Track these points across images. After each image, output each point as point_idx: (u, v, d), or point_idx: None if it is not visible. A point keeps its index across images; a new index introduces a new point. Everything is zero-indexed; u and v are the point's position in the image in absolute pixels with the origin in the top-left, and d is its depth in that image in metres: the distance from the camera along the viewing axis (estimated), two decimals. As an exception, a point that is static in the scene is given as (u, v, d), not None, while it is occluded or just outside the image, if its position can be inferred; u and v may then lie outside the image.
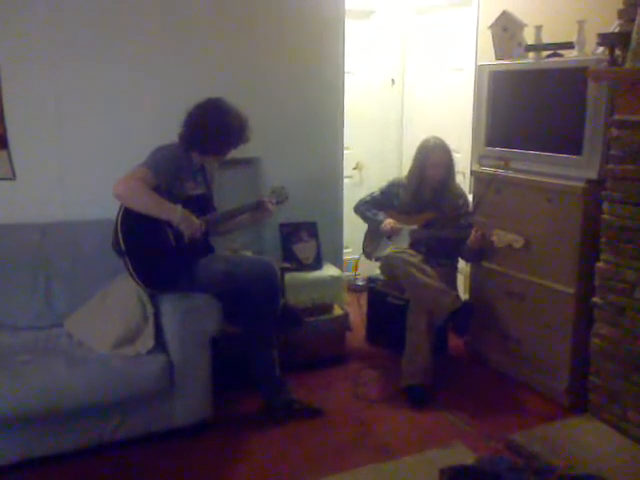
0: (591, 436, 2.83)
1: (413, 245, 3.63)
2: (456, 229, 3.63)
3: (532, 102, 3.30)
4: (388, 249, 3.62)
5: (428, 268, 3.42)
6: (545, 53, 3.26)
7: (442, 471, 1.79)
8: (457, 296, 3.38)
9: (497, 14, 3.48)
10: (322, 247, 3.87)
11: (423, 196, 3.69)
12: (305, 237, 3.85)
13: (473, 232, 3.39)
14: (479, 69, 3.62)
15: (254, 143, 3.11)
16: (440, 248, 3.66)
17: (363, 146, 5.02)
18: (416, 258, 3.47)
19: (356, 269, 4.81)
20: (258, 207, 3.16)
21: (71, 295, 3.07)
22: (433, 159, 3.59)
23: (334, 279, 3.75)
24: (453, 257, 3.74)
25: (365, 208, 3.84)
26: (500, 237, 3.31)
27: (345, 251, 4.35)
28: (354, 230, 4.30)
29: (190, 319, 2.80)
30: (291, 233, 3.82)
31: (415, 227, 3.66)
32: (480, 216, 3.55)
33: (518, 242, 3.25)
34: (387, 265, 3.58)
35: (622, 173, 2.75)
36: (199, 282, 2.89)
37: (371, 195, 3.89)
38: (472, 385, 3.48)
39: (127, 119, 3.39)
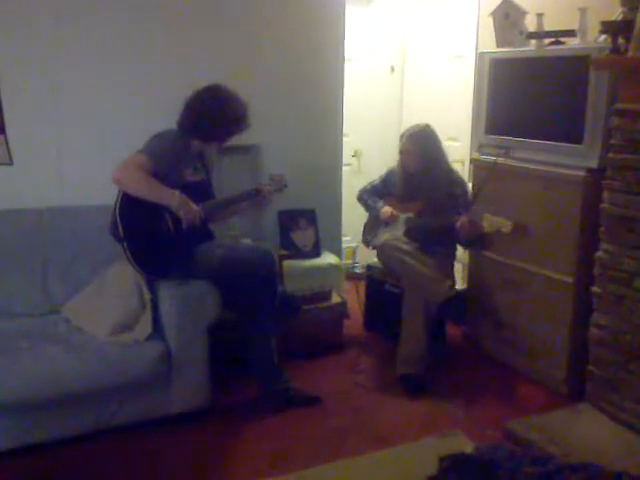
0: (588, 425, 2.84)
1: (408, 233, 3.61)
2: (452, 217, 3.60)
3: (533, 90, 3.28)
4: (383, 237, 3.61)
5: (423, 256, 3.41)
6: (547, 41, 3.23)
7: (441, 459, 1.78)
8: (451, 285, 3.36)
9: (499, 1, 3.45)
10: (321, 235, 3.87)
11: (412, 184, 3.68)
12: (304, 224, 3.84)
13: (462, 217, 3.35)
14: (480, 57, 3.59)
15: (253, 130, 3.09)
16: (435, 236, 3.64)
17: (362, 134, 4.99)
18: (411, 246, 3.47)
19: (350, 258, 4.82)
20: (257, 194, 3.15)
21: (69, 281, 3.06)
22: (401, 146, 3.67)
23: (332, 267, 3.75)
24: (449, 245, 3.72)
25: (367, 196, 3.83)
26: (490, 222, 3.30)
27: (344, 239, 4.35)
28: (352, 218, 4.29)
29: (188, 306, 2.79)
30: (290, 220, 3.82)
31: (411, 215, 3.65)
32: (479, 205, 3.53)
33: (506, 227, 3.24)
34: (383, 253, 3.56)
35: (622, 162, 2.73)
36: (197, 269, 2.88)
37: (372, 183, 3.88)
38: (470, 374, 3.49)
39: (126, 105, 3.37)
